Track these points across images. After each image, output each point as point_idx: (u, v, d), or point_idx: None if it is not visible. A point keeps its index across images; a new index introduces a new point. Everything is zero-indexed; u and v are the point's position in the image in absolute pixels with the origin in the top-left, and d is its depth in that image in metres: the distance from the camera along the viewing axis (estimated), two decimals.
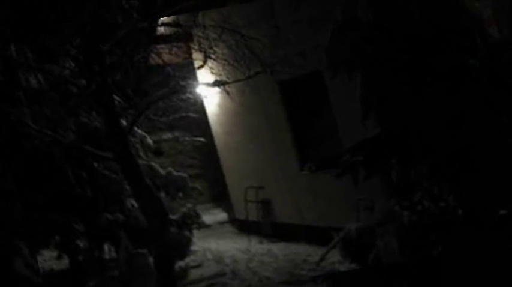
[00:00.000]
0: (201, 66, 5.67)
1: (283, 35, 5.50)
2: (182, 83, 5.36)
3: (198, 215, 6.47)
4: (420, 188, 3.52)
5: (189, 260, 6.26)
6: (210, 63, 5.50)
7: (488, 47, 3.78)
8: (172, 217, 5.87)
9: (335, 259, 5.26)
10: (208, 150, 9.47)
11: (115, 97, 4.85)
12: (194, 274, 6.06)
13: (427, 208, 3.57)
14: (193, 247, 6.33)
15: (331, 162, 4.62)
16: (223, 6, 5.31)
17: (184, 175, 6.86)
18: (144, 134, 6.57)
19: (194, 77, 6.40)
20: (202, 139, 9.22)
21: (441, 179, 3.46)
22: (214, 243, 7.81)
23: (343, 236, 4.85)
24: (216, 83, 5.56)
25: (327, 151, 6.25)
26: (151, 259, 4.94)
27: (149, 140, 6.68)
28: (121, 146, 4.54)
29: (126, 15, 4.68)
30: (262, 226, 7.66)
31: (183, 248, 5.83)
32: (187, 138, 9.39)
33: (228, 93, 5.52)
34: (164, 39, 5.72)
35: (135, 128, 5.76)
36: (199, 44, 5.33)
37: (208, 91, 6.68)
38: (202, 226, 6.70)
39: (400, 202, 3.74)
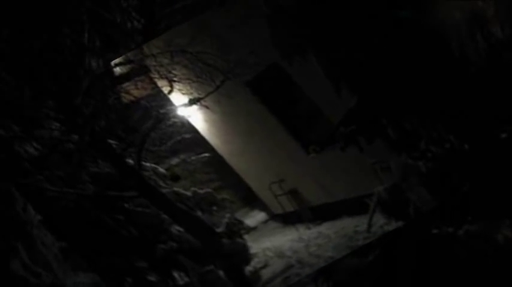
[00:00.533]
0: (170, 91, 5.81)
1: (226, 41, 5.74)
2: (162, 111, 5.66)
3: (240, 222, 6.75)
4: (421, 137, 3.63)
5: (254, 263, 6.42)
6: (176, 85, 5.75)
7: (491, 46, 3.80)
8: (218, 230, 6.05)
9: (381, 222, 5.35)
10: (217, 162, 9.40)
11: (110, 141, 5.11)
12: (265, 273, 6.22)
13: (436, 153, 3.83)
14: (251, 251, 6.49)
15: (330, 138, 5.35)
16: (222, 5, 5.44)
17: (209, 190, 7.07)
18: (153, 165, 6.73)
19: (169, 102, 6.48)
20: (207, 154, 9.39)
21: (434, 123, 3.55)
22: (268, 241, 7.89)
23: (376, 200, 4.99)
24: (191, 102, 5.84)
25: (320, 130, 6.45)
26: (221, 273, 5.14)
27: (161, 170, 6.87)
28: (139, 182, 4.83)
29: (125, 14, 5.08)
30: (301, 213, 7.73)
31: (243, 254, 6.05)
32: (193, 158, 9.55)
33: (207, 107, 5.84)
34: (125, 77, 5.98)
35: (143, 163, 5.97)
36: (158, 72, 5.60)
37: (189, 111, 6.82)
38: (249, 229, 7.01)
39: (410, 155, 3.98)
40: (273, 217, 8.50)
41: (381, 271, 4.22)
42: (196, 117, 7.66)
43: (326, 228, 6.93)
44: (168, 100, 6.72)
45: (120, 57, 6.00)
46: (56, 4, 4.86)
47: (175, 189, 6.49)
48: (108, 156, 4.96)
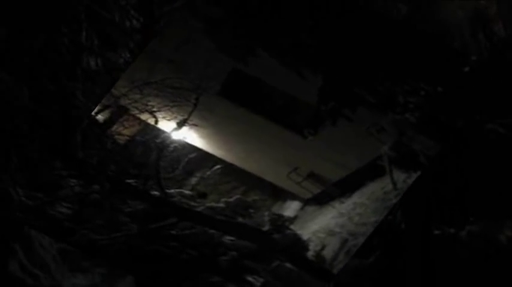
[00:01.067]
0: (156, 122, 6.01)
1: (179, 63, 5.94)
2: (158, 140, 5.89)
3: (280, 215, 6.92)
4: (396, 92, 4.04)
5: (312, 247, 6.48)
6: (158, 115, 5.95)
7: (493, 45, 3.81)
8: (264, 228, 6.32)
9: (402, 177, 5.37)
10: (231, 170, 9.60)
11: (128, 181, 5.39)
12: (326, 253, 6.20)
13: (416, 102, 4.08)
14: (303, 237, 6.59)
15: (317, 119, 5.64)
16: None
17: (238, 196, 7.28)
18: (177, 190, 6.90)
19: (161, 131, 6.71)
20: (218, 166, 9.66)
21: (403, 78, 3.77)
22: (313, 225, 7.85)
23: (388, 159, 5.18)
24: (179, 125, 6.05)
25: (304, 114, 6.59)
26: (288, 265, 5.30)
27: (186, 192, 7.05)
28: (173, 209, 5.18)
29: (124, 12, 5.18)
30: (329, 191, 7.70)
31: (298, 243, 6.21)
32: (208, 173, 9.86)
33: (195, 125, 6.08)
34: (110, 122, 6.17)
35: (167, 191, 6.23)
36: (136, 108, 5.78)
37: (181, 133, 7.04)
38: (291, 219, 7.09)
39: (395, 111, 4.24)
40: (306, 202, 8.92)
41: (382, 272, 4.22)
42: (191, 136, 7.90)
43: (358, 197, 7.00)
44: (159, 129, 7.04)
45: (97, 106, 6.28)
46: (54, 2, 4.88)
47: (208, 205, 6.66)
48: (133, 195, 5.19)
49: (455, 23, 3.92)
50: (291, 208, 9.53)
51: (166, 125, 6.86)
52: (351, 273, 4.41)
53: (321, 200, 8.21)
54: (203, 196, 7.96)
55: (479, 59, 3.90)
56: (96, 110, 6.05)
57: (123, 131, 6.24)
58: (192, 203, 6.45)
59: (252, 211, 6.93)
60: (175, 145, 6.91)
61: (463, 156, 4.05)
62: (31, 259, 4.13)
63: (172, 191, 6.51)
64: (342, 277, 4.94)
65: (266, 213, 6.61)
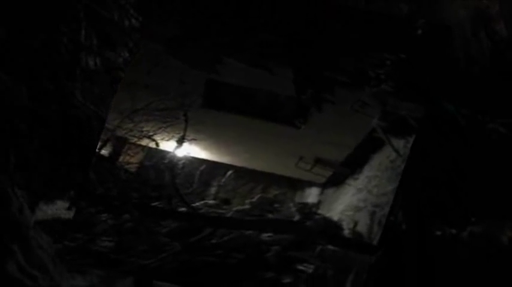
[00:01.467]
0: (157, 145, 6.29)
1: (156, 86, 6.25)
2: (165, 161, 6.23)
3: (304, 203, 7.55)
4: (364, 69, 4.27)
5: (345, 226, 6.80)
6: (156, 137, 6.19)
7: (495, 44, 3.82)
8: (296, 219, 6.73)
9: (401, 143, 5.71)
10: (244, 172, 10.45)
11: (153, 204, 5.52)
12: (361, 229, 6.43)
13: (385, 72, 4.24)
14: (333, 219, 6.97)
15: (302, 109, 5.86)
16: None
17: (259, 195, 7.86)
18: (202, 202, 7.43)
19: (165, 151, 7.11)
20: (230, 171, 10.03)
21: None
22: (338, 205, 8.63)
23: (381, 129, 5.37)
24: (179, 143, 6.36)
25: (288, 107, 6.92)
26: (331, 247, 5.41)
27: (211, 202, 7.60)
28: (205, 220, 5.20)
29: (123, 11, 5.05)
30: (340, 172, 8.43)
31: (331, 225, 6.47)
32: (223, 180, 10.13)
33: (194, 139, 6.40)
34: (116, 154, 6.53)
35: (193, 205, 6.65)
36: (134, 136, 6.05)
37: (184, 149, 7.46)
38: (317, 205, 7.68)
39: (370, 86, 4.41)
40: (323, 186, 9.20)
41: (384, 272, 4.22)
42: (194, 151, 8.07)
43: (368, 171, 7.51)
44: (163, 151, 7.27)
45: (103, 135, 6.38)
46: (53, 1, 4.90)
47: (235, 209, 7.05)
48: (163, 215, 5.31)
49: (456, 22, 3.91)
50: (312, 195, 9.77)
51: (168, 145, 7.02)
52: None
53: (336, 181, 8.43)
54: (227, 202, 8.20)
55: (481, 58, 3.90)
56: (98, 146, 6.01)
57: (131, 160, 6.51)
58: (220, 211, 6.72)
59: (277, 205, 7.17)
60: (183, 161, 7.20)
61: (464, 155, 4.05)
62: (29, 260, 4.12)
63: (197, 204, 6.77)
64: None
65: (291, 204, 6.93)
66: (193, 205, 6.58)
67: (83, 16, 5.77)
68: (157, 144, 6.73)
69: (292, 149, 7.79)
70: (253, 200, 7.57)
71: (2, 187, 4.78)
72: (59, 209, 8.36)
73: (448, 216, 4.14)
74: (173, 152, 7.00)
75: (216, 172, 9.62)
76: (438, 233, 4.15)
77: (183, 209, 5.98)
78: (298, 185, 10.27)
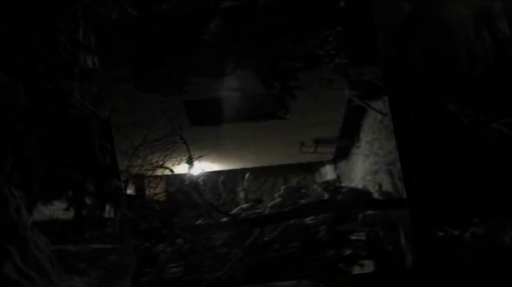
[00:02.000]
0: (171, 171, 6.52)
1: (139, 120, 6.45)
2: (185, 185, 6.42)
3: (326, 182, 7.42)
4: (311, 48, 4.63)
5: (371, 188, 6.74)
6: (166, 164, 6.40)
7: (498, 43, 3.80)
8: (325, 198, 6.75)
9: (380, 103, 5.86)
10: (259, 171, 10.34)
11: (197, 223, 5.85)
12: (386, 188, 6.45)
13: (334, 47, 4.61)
14: (359, 187, 6.93)
15: (278, 101, 6.19)
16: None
17: (283, 186, 7.62)
18: (238, 208, 7.40)
19: (181, 175, 7.23)
20: (247, 174, 10.42)
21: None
22: (356, 174, 8.12)
23: (357, 98, 5.67)
24: (189, 163, 6.57)
25: (266, 103, 7.01)
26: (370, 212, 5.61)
27: (244, 206, 7.51)
28: (250, 222, 5.55)
29: (122, 10, 5.11)
30: (341, 145, 8.17)
31: (359, 194, 6.56)
32: (246, 183, 10.62)
33: (200, 156, 6.52)
34: (141, 189, 6.68)
35: (231, 213, 6.73)
36: (147, 170, 6.18)
37: (196, 168, 7.56)
38: (338, 180, 7.57)
39: (324, 63, 4.77)
40: (334, 162, 9.37)
41: (384, 276, 4.21)
42: (206, 166, 8.31)
43: (365, 137, 7.41)
44: (179, 175, 7.50)
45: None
46: (50, 0, 4.90)
47: (269, 205, 7.01)
48: (210, 229, 5.60)
49: (459, 21, 3.90)
50: (329, 172, 9.97)
51: (181, 168, 7.27)
52: (354, 276, 4.40)
53: (342, 154, 8.57)
54: (259, 201, 8.39)
55: (484, 57, 3.89)
56: (123, 187, 6.53)
57: (156, 191, 6.72)
58: (257, 211, 6.83)
59: (303, 190, 7.34)
60: (202, 178, 7.38)
61: (467, 156, 4.04)
62: (26, 261, 4.11)
63: (234, 211, 6.91)
64: (343, 281, 4.95)
65: (315, 186, 7.18)
66: (231, 212, 6.83)
67: (81, 15, 5.80)
68: (171, 170, 7.04)
69: (289, 138, 7.79)
70: (281, 192, 7.77)
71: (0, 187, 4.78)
72: (57, 209, 8.43)
73: (450, 217, 4.13)
74: (189, 173, 7.28)
75: (235, 178, 9.76)
76: (440, 234, 4.14)
77: (225, 219, 6.26)
78: (312, 168, 10.52)
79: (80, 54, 6.88)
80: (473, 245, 4.12)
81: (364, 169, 7.34)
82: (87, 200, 7.77)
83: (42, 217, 7.91)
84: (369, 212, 5.50)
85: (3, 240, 4.13)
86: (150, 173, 6.64)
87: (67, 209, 8.15)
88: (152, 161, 6.36)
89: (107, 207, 7.92)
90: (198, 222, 5.94)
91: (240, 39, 5.38)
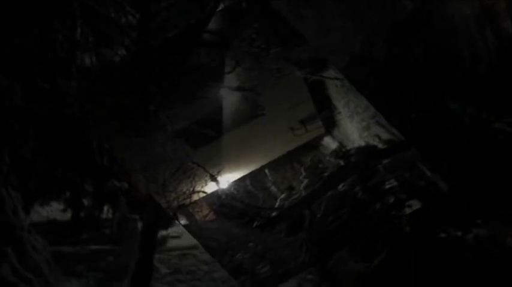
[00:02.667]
0: (204, 192, 6.55)
1: (146, 166, 6.55)
2: (223, 197, 6.51)
3: (334, 150, 7.38)
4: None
5: (171, 230, 7.16)
6: (196, 189, 6.45)
7: (501, 41, 3.79)
8: (343, 164, 6.94)
9: (334, 72, 6.02)
10: (272, 167, 10.44)
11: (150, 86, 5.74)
12: (172, 243, 6.97)
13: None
14: (363, 144, 7.01)
15: (248, 100, 6.41)
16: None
17: (301, 169, 7.77)
18: (281, 200, 7.54)
19: (214, 192, 7.36)
20: (266, 171, 10.54)
21: None
22: (354, 133, 7.87)
23: (310, 73, 5.92)
24: (213, 180, 6.56)
25: (240, 108, 7.25)
26: (140, 225, 5.89)
27: (283, 196, 7.63)
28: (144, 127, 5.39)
29: (119, 8, 5.10)
30: (326, 116, 8.09)
31: (169, 220, 6.81)
32: (269, 179, 10.65)
33: (218, 171, 6.52)
34: (192, 217, 6.88)
35: (281, 207, 6.97)
36: (183, 200, 6.22)
37: (223, 181, 7.72)
38: (342, 146, 7.59)
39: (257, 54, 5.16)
40: (327, 133, 9.70)
41: (387, 276, 4.20)
42: (229, 177, 8.60)
43: (338, 103, 7.30)
44: (212, 193, 7.77)
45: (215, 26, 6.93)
46: None
47: (302, 188, 7.25)
48: (272, 226, 5.90)
49: (461, 19, 3.89)
50: (329, 143, 10.21)
51: (211, 187, 7.52)
52: (356, 277, 4.39)
53: (330, 124, 8.88)
54: (291, 188, 8.57)
55: (487, 56, 3.88)
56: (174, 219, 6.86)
57: (205, 213, 6.95)
58: (294, 197, 7.11)
59: (320, 165, 7.53)
60: (233, 188, 7.58)
61: (470, 155, 4.03)
62: (24, 263, 4.10)
63: (277, 205, 7.18)
64: (345, 282, 4.94)
65: (327, 158, 7.32)
66: (276, 206, 7.04)
67: (79, 13, 5.81)
68: (204, 192, 7.25)
69: (278, 129, 8.14)
70: (303, 174, 7.98)
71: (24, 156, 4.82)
72: (54, 210, 8.44)
73: (453, 218, 4.12)
74: (220, 188, 7.50)
75: (259, 177, 9.92)
76: (443, 235, 4.13)
77: (275, 214, 6.52)
78: (313, 145, 10.68)
79: (77, 53, 6.91)
80: (476, 246, 4.11)
81: (356, 128, 7.60)
82: (85, 201, 7.91)
83: (39, 218, 7.97)
84: (385, 161, 5.70)
85: (0, 241, 4.12)
86: (187, 201, 6.89)
87: (64, 210, 8.26)
88: (183, 191, 6.59)
89: (105, 208, 8.03)
90: (256, 224, 6.28)
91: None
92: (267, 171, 9.74)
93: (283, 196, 7.53)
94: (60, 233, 7.32)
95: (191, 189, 6.33)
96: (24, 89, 5.92)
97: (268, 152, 9.16)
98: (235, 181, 8.15)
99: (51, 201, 7.65)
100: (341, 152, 7.60)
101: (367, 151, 6.44)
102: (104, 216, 8.05)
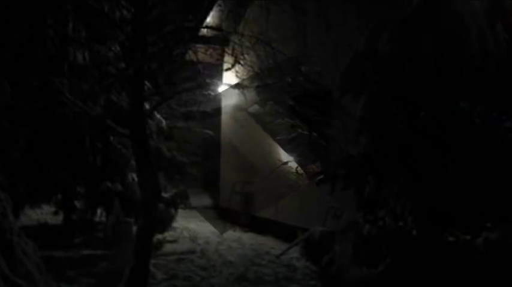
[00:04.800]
0: (228, 69, 6.60)
1: (309, 54, 7.19)
2: (208, 80, 6.34)
3: (186, 197, 8.17)
4: (386, 207, 4.29)
5: (168, 234, 7.83)
6: (237, 67, 6.49)
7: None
8: (164, 195, 7.41)
9: (294, 256, 6.70)
10: (213, 143, 11.70)
11: (146, 83, 5.78)
12: (168, 247, 7.51)
13: (387, 225, 4.35)
14: (174, 224, 7.99)
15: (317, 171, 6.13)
16: None
17: (186, 160, 8.55)
18: (161, 119, 8.10)
19: (220, 77, 7.90)
20: (210, 132, 11.08)
21: (406, 201, 4.14)
22: (194, 224, 9.74)
23: (306, 236, 5.73)
24: (237, 86, 6.72)
25: (317, 159, 8.02)
26: (134, 228, 5.83)
27: (164, 125, 8.22)
28: (139, 126, 5.27)
29: (113, 2, 5.16)
30: (241, 216, 9.70)
31: (165, 223, 7.34)
32: (197, 130, 11.17)
33: (245, 96, 6.66)
34: (204, 40, 6.94)
35: (155, 113, 7.36)
36: (233, 49, 6.25)
37: (229, 92, 8.67)
38: (188, 207, 8.56)
39: (365, 215, 4.50)
40: (216, 207, 11.16)
41: (392, 282, 4.18)
42: (229, 100, 10.03)
43: (247, 237, 8.69)
44: (220, 75, 8.11)
45: (214, 22, 7.69)
46: None
47: (161, 146, 8.04)
48: (134, 93, 5.41)
49: (471, 14, 3.87)
50: (200, 200, 11.55)
51: (230, 77, 7.79)
52: (359, 284, 4.36)
53: (227, 214, 10.21)
54: (168, 138, 8.89)
55: (498, 52, 3.85)
56: (209, 24, 7.24)
57: (199, 53, 6.77)
58: (153, 136, 7.71)
59: (177, 177, 8.39)
60: (212, 93, 7.92)
61: (479, 156, 4.00)
62: (13, 268, 4.08)
63: (157, 116, 7.88)
64: None
65: (181, 187, 8.17)
66: (154, 113, 7.37)
67: (71, 7, 5.75)
68: (229, 69, 7.15)
69: (259, 172, 9.22)
70: (177, 158, 8.35)
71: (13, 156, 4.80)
72: (45, 213, 8.42)
73: (461, 221, 4.10)
74: (220, 83, 7.73)
75: (206, 124, 10.96)
76: (451, 239, 4.11)
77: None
78: (213, 189, 11.96)
79: (69, 49, 6.90)
80: (487, 251, 4.09)
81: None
82: (77, 204, 7.89)
83: (29, 221, 7.94)
84: None
85: None
86: (228, 49, 6.74)
87: (56, 213, 8.27)
88: (244, 55, 6.44)
89: (98, 210, 8.00)
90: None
91: None
92: (212, 133, 11.01)
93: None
94: (52, 237, 7.33)
95: (240, 59, 6.35)
96: (13, 87, 5.89)
97: (232, 158, 10.97)
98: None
99: (41, 203, 7.67)
100: (185, 203, 8.11)
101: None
102: (97, 219, 8.08)
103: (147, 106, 5.82)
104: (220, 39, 7.08)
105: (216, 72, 7.50)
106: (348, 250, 4.99)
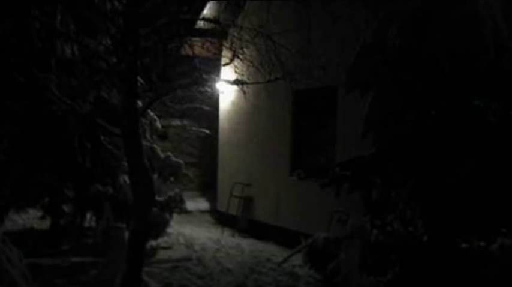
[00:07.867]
0: (226, 64, 6.52)
1: (312, 48, 7.22)
2: (205, 76, 6.22)
3: (182, 201, 8.11)
4: (395, 211, 4.29)
5: (162, 240, 7.82)
6: (236, 62, 6.41)
7: None
8: (158, 198, 7.31)
9: (296, 263, 6.70)
10: (210, 142, 11.69)
11: (139, 79, 5.72)
12: (163, 254, 7.45)
13: (396, 230, 4.37)
14: (169, 229, 7.96)
15: (320, 172, 6.17)
16: None
17: (181, 161, 8.43)
18: (155, 117, 8.13)
19: (217, 72, 7.74)
20: (207, 131, 11.08)
21: (416, 205, 4.14)
22: (190, 229, 9.61)
23: (310, 243, 5.82)
24: (236, 82, 6.52)
25: (320, 161, 8.14)
26: (126, 234, 5.81)
27: (158, 124, 8.20)
28: (131, 124, 5.25)
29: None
30: (239, 220, 9.61)
31: (159, 228, 7.34)
32: (194, 128, 11.22)
33: (244, 93, 6.53)
34: (200, 33, 6.85)
35: (149, 111, 7.35)
36: (232, 43, 6.21)
37: (227, 88, 8.48)
38: (184, 211, 8.39)
39: (372, 220, 4.53)
40: (213, 211, 10.99)
41: None
42: (227, 96, 10.05)
43: (247, 243, 8.57)
44: (218, 70, 7.99)
45: (211, 14, 7.42)
46: None
47: (155, 146, 8.12)
48: (126, 90, 5.38)
49: (485, 6, 3.87)
50: (197, 204, 11.55)
51: (228, 73, 7.69)
52: None
53: (224, 219, 10.10)
54: (163, 138, 9.31)
55: None
56: (206, 17, 6.83)
57: (195, 47, 6.74)
58: (147, 135, 7.79)
59: (172, 179, 8.24)
60: (209, 90, 7.60)
61: (493, 157, 4.01)
62: None
63: (151, 114, 7.92)
64: None
65: (177, 190, 8.04)
66: (148, 111, 7.31)
67: None
68: (227, 64, 7.06)
69: (258, 175, 9.40)
70: (172, 159, 8.31)
71: None
72: (31, 218, 8.40)
73: (475, 226, 4.11)
74: (217, 79, 7.59)
75: (203, 122, 11.10)
76: (464, 245, 4.12)
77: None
78: (210, 191, 11.80)
79: (57, 43, 6.89)
80: (501, 258, 4.10)
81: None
82: (65, 208, 7.85)
83: (14, 226, 7.93)
84: None
85: None
86: (226, 43, 6.78)
87: (43, 217, 8.24)
88: (243, 48, 6.44)
89: (88, 215, 7.96)
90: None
91: None
92: (209, 132, 10.94)
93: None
94: (38, 243, 7.32)
95: (239, 53, 6.32)
96: None
97: (230, 158, 10.79)
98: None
99: (27, 207, 7.64)
100: (180, 207, 8.00)
101: None
102: (86, 224, 8.05)
103: (140, 103, 5.79)
104: (218, 32, 7.02)
105: (213, 67, 7.48)
106: (354, 257, 4.99)
